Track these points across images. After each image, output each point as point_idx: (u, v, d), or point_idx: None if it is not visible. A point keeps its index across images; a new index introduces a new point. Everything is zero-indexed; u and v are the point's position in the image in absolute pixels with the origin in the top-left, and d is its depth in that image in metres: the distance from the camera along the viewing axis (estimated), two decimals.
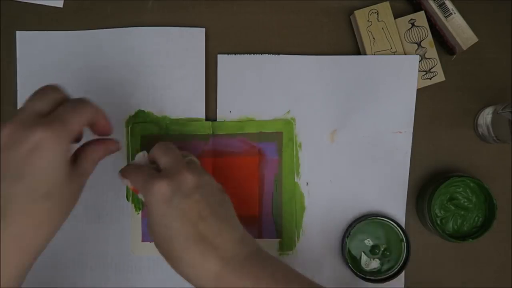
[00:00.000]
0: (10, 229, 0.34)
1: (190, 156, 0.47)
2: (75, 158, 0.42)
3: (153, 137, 0.55)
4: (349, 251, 0.55)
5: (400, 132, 0.56)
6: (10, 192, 0.35)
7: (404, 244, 0.55)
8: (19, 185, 0.35)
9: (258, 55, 0.55)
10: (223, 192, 0.45)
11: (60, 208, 0.38)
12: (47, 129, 0.36)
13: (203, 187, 0.42)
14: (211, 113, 0.56)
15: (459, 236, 0.54)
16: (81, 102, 0.40)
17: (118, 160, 0.55)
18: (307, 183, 0.56)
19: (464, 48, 0.55)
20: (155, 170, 0.44)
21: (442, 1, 0.55)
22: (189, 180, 0.41)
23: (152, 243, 0.54)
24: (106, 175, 0.55)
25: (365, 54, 0.55)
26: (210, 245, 0.40)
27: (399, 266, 0.55)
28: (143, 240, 0.55)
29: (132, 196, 0.55)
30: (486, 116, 0.55)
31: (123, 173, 0.46)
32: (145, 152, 0.48)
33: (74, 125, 0.38)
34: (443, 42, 0.56)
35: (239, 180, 0.55)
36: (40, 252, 0.38)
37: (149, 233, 0.43)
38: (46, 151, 0.36)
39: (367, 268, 0.55)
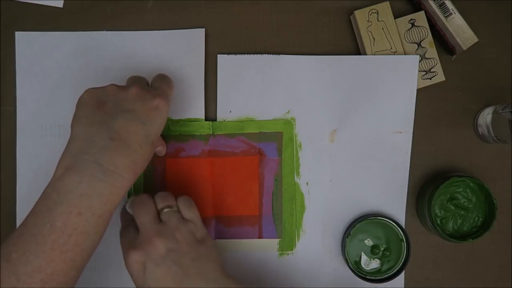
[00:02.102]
0: (131, 157, 0.44)
1: (166, 202, 0.47)
2: None
3: None
4: (349, 251, 0.55)
5: (400, 132, 0.56)
6: (135, 130, 0.44)
7: (404, 244, 0.55)
8: (141, 128, 0.44)
9: (258, 55, 0.55)
10: (202, 240, 0.46)
11: (148, 158, 0.46)
12: (162, 98, 0.46)
13: (174, 250, 0.44)
14: (211, 113, 0.56)
15: (459, 236, 0.54)
16: (166, 78, 0.50)
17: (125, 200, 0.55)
18: (307, 183, 0.56)
19: (464, 48, 0.55)
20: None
21: (442, 1, 0.55)
22: (159, 247, 0.44)
23: None
24: None
25: (365, 54, 0.55)
26: None
27: (399, 266, 0.55)
28: None
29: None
30: (486, 116, 0.55)
31: (120, 218, 0.52)
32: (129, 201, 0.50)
33: (171, 95, 0.49)
34: (443, 42, 0.56)
35: (239, 180, 0.55)
36: (135, 178, 0.45)
37: None
38: (161, 112, 0.46)
39: (367, 268, 0.55)
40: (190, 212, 0.47)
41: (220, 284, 0.44)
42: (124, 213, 0.51)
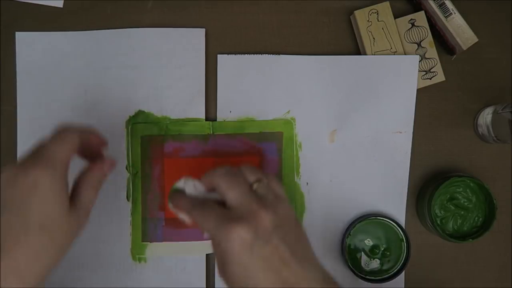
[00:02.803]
0: (7, 260, 0.35)
1: (255, 176, 0.41)
2: (75, 189, 0.41)
3: (153, 137, 0.55)
4: (349, 251, 0.55)
5: (400, 132, 0.56)
6: (8, 224, 0.36)
7: (404, 244, 0.55)
8: (15, 217, 0.36)
9: (258, 55, 0.55)
10: (297, 220, 0.41)
11: (56, 241, 0.38)
12: (38, 167, 0.37)
13: (280, 226, 0.38)
14: (211, 113, 0.56)
15: (459, 236, 0.54)
16: (61, 131, 0.40)
17: (119, 160, 0.55)
18: (307, 183, 0.56)
19: (464, 48, 0.55)
20: (218, 203, 0.41)
21: (442, 1, 0.55)
22: (266, 222, 0.37)
23: (153, 243, 0.55)
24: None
25: (365, 54, 0.55)
26: None
27: (399, 266, 0.55)
28: (143, 240, 0.55)
29: (132, 196, 0.55)
30: (486, 116, 0.55)
31: (178, 205, 0.43)
32: (195, 181, 0.43)
33: (61, 156, 0.39)
34: (443, 42, 0.56)
35: None
36: (40, 281, 0.37)
37: (221, 276, 0.39)
38: (41, 187, 0.37)
39: (367, 268, 0.55)
40: (280, 187, 0.42)
41: (322, 270, 0.39)
42: (182, 197, 0.43)
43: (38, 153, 0.38)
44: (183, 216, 0.43)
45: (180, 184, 0.44)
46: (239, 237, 0.36)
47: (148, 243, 0.55)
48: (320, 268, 0.39)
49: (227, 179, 0.40)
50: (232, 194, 0.39)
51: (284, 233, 0.38)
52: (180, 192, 0.44)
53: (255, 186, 0.40)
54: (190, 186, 0.44)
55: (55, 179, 0.37)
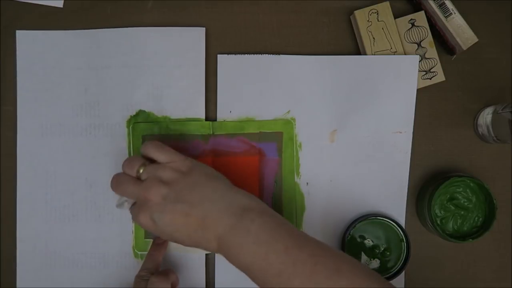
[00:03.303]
0: None
1: (136, 164, 0.48)
2: None
3: (154, 137, 0.55)
4: (349, 251, 0.55)
5: (400, 132, 0.56)
6: None
7: (404, 244, 0.55)
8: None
9: (258, 55, 0.55)
10: (188, 167, 0.47)
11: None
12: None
13: (167, 193, 0.45)
14: (211, 113, 0.56)
15: (459, 236, 0.54)
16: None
17: (120, 160, 0.55)
18: (307, 183, 0.56)
19: (464, 48, 0.55)
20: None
21: (442, 1, 0.55)
22: (154, 199, 0.45)
23: None
24: (107, 174, 0.55)
25: (365, 54, 0.55)
26: (204, 228, 0.44)
27: (399, 266, 0.55)
28: (146, 238, 0.55)
29: None
30: (486, 116, 0.55)
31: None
32: (119, 199, 0.50)
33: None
34: (443, 42, 0.56)
35: (239, 180, 0.55)
36: None
37: None
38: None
39: None
40: (163, 154, 0.48)
41: (227, 199, 0.45)
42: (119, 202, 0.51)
43: None
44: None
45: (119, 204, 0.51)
46: (143, 222, 0.46)
47: (151, 240, 0.55)
48: (223, 198, 0.45)
49: (115, 186, 0.48)
50: (127, 194, 0.48)
51: (175, 194, 0.45)
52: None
53: (140, 172, 0.47)
54: (120, 204, 0.50)
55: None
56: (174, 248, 0.55)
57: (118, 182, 0.48)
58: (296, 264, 0.41)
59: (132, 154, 0.55)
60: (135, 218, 0.47)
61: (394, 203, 0.56)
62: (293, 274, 0.41)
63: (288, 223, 0.45)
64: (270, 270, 0.42)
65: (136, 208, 0.47)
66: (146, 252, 0.54)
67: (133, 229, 0.55)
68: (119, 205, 0.50)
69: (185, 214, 0.44)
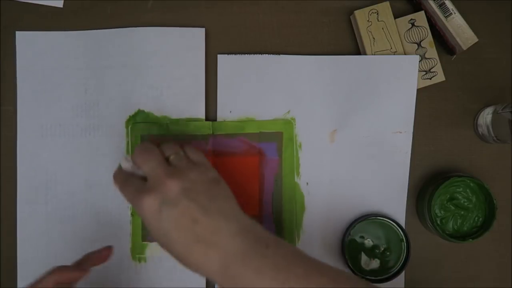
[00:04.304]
0: None
1: (172, 150, 0.46)
2: None
3: (153, 137, 0.55)
4: (349, 251, 0.55)
5: (400, 132, 0.56)
6: None
7: (404, 244, 0.55)
8: None
9: (258, 55, 0.55)
10: (216, 180, 0.45)
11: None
12: None
13: (189, 189, 0.42)
14: (211, 113, 0.56)
15: (459, 236, 0.54)
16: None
17: (119, 160, 0.55)
18: (307, 183, 0.56)
19: (464, 48, 0.55)
20: (141, 178, 0.45)
21: (442, 1, 0.55)
22: (173, 187, 0.42)
23: (153, 243, 0.55)
24: (106, 175, 0.55)
25: (365, 54, 0.55)
26: (209, 244, 0.41)
27: (399, 266, 0.55)
28: (143, 240, 0.55)
29: None
30: (486, 116, 0.55)
31: (114, 179, 0.47)
32: (127, 157, 0.47)
33: None
34: (443, 42, 0.56)
35: (239, 180, 0.55)
36: None
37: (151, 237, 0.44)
38: None
39: (367, 268, 0.55)
40: (198, 156, 0.46)
41: (242, 222, 0.42)
42: (119, 172, 0.47)
43: None
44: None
45: (122, 163, 0.47)
46: (147, 205, 0.41)
47: (148, 243, 0.55)
48: (237, 221, 0.42)
49: (142, 155, 0.45)
50: (146, 168, 0.44)
51: (195, 194, 0.42)
52: (119, 167, 0.48)
53: (171, 158, 0.45)
54: (123, 161, 0.47)
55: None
56: None
57: (145, 150, 0.45)
58: None
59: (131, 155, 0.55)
60: (138, 198, 0.42)
61: (394, 203, 0.56)
62: None
63: (301, 250, 0.43)
64: None
65: (146, 188, 0.43)
66: (143, 255, 0.54)
67: (131, 231, 0.55)
68: (124, 162, 0.47)
69: (195, 219, 0.41)
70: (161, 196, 0.42)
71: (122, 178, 0.46)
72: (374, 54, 0.55)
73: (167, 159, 0.45)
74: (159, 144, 0.47)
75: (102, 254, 0.49)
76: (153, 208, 0.41)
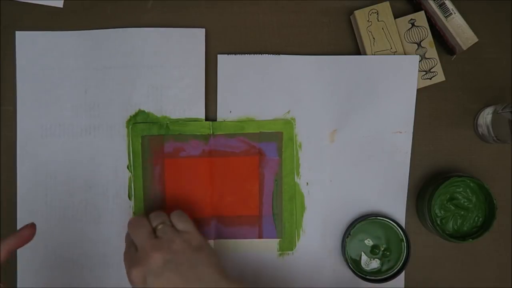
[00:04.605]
0: None
1: (159, 220, 0.49)
2: None
3: (153, 137, 0.55)
4: (349, 251, 0.55)
5: (400, 132, 0.56)
6: None
7: (404, 244, 0.55)
8: None
9: (258, 55, 0.55)
10: (198, 247, 0.48)
11: None
12: None
13: (171, 260, 0.45)
14: (211, 113, 0.56)
15: (459, 236, 0.54)
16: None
17: (119, 160, 0.55)
18: (307, 183, 0.56)
19: (464, 48, 0.55)
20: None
21: (442, 1, 0.55)
22: (157, 260, 0.45)
23: None
24: (107, 175, 0.55)
25: (365, 54, 0.55)
26: None
27: (399, 266, 0.55)
28: None
29: (133, 195, 0.55)
30: (486, 116, 0.55)
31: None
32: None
33: None
34: (443, 42, 0.56)
35: (239, 180, 0.55)
36: None
37: None
38: None
39: (367, 268, 0.55)
40: (183, 223, 0.49)
41: (220, 285, 0.45)
42: (127, 236, 0.51)
43: None
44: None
45: None
46: (135, 277, 0.46)
47: None
48: (220, 281, 0.46)
49: (132, 227, 0.49)
50: (136, 240, 0.48)
51: (176, 265, 0.45)
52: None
53: (158, 228, 0.49)
54: None
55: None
56: None
57: (136, 225, 0.49)
58: None
59: (131, 155, 0.55)
60: (128, 269, 0.47)
61: (394, 203, 0.56)
62: None
63: None
64: None
65: (134, 260, 0.47)
66: None
67: None
68: None
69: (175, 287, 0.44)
70: (145, 268, 0.45)
71: (126, 246, 0.51)
72: (374, 54, 0.55)
73: (154, 230, 0.49)
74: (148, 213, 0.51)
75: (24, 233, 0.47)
76: (138, 279, 0.46)
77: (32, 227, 0.47)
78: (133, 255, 0.48)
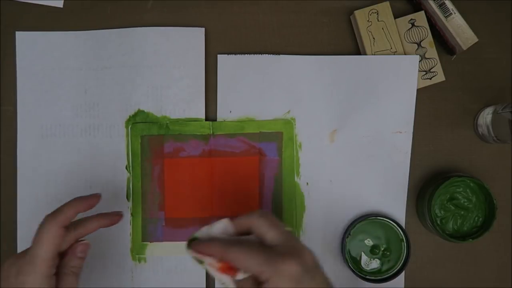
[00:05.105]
0: None
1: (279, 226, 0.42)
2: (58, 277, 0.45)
3: (153, 137, 0.55)
4: (349, 251, 0.55)
5: (400, 132, 0.56)
6: None
7: (404, 244, 0.55)
8: None
9: (258, 55, 0.55)
10: (318, 262, 0.41)
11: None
12: (24, 273, 0.43)
13: (319, 264, 0.40)
14: (211, 113, 0.56)
15: (459, 236, 0.54)
16: (42, 228, 0.45)
17: (119, 161, 0.55)
18: (307, 183, 0.56)
19: (464, 48, 0.55)
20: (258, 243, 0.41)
21: (442, 1, 0.55)
22: (312, 258, 0.39)
23: (153, 243, 0.55)
24: (106, 175, 0.55)
25: (365, 54, 0.55)
26: None
27: (399, 266, 0.55)
28: (143, 240, 0.55)
29: (132, 196, 0.55)
30: (486, 116, 0.55)
31: (209, 248, 0.41)
32: (223, 223, 0.42)
33: (43, 257, 0.43)
34: (443, 42, 0.56)
35: (239, 180, 0.55)
36: None
37: None
38: (27, 285, 0.43)
39: (367, 268, 0.55)
40: (276, 230, 0.41)
41: None
42: (207, 240, 0.42)
43: (26, 256, 0.43)
44: (211, 261, 0.41)
45: (203, 231, 0.42)
46: (289, 271, 0.37)
47: (148, 243, 0.55)
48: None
49: (266, 220, 0.41)
50: (274, 233, 0.40)
51: (321, 274, 0.40)
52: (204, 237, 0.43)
53: (287, 229, 0.41)
54: (220, 228, 0.42)
55: (37, 280, 0.42)
56: (174, 251, 0.55)
57: (269, 217, 0.41)
58: None
59: (130, 155, 0.55)
60: (278, 261, 0.38)
61: (394, 203, 0.56)
62: None
63: None
64: None
65: (286, 253, 0.38)
66: (143, 255, 0.55)
67: (131, 231, 0.55)
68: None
69: None
70: (303, 263, 0.39)
71: (235, 243, 0.41)
72: (374, 54, 0.55)
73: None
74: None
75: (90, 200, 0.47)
76: (296, 276, 0.38)
77: (99, 197, 0.47)
78: (268, 248, 0.39)
